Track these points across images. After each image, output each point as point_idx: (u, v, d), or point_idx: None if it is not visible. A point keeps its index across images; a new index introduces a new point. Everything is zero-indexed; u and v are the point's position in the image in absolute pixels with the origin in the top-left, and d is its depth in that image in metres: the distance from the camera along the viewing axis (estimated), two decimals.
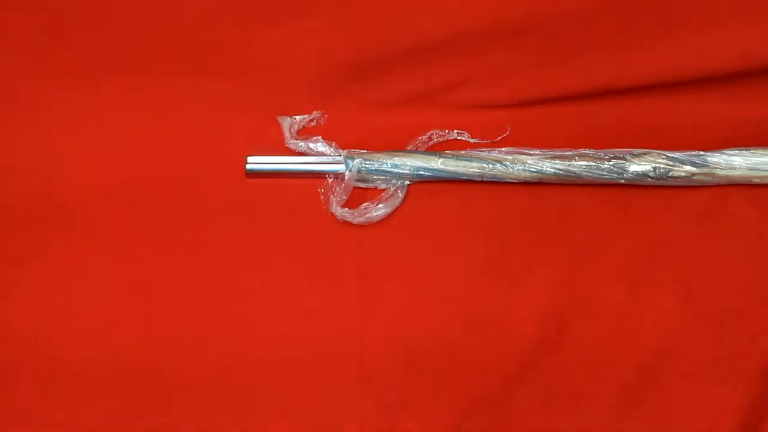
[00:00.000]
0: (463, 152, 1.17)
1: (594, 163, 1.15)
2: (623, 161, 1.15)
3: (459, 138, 1.22)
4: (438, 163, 1.16)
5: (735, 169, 1.16)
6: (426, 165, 1.16)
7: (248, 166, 1.17)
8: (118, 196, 1.17)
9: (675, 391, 1.05)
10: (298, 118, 1.21)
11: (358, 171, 1.15)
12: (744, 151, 1.16)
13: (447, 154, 1.17)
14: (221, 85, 1.21)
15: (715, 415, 1.04)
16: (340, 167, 1.16)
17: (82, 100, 1.21)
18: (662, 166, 1.15)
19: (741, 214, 1.17)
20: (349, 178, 1.15)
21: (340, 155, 1.17)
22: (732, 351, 1.07)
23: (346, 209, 1.14)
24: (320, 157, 1.18)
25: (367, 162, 1.16)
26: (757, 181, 1.17)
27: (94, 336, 1.08)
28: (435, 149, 1.20)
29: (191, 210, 1.16)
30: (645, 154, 1.16)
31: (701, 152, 1.16)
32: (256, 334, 1.09)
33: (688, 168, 1.15)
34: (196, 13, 1.16)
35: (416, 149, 1.20)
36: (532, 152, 1.17)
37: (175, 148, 1.20)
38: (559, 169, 1.15)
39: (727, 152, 1.16)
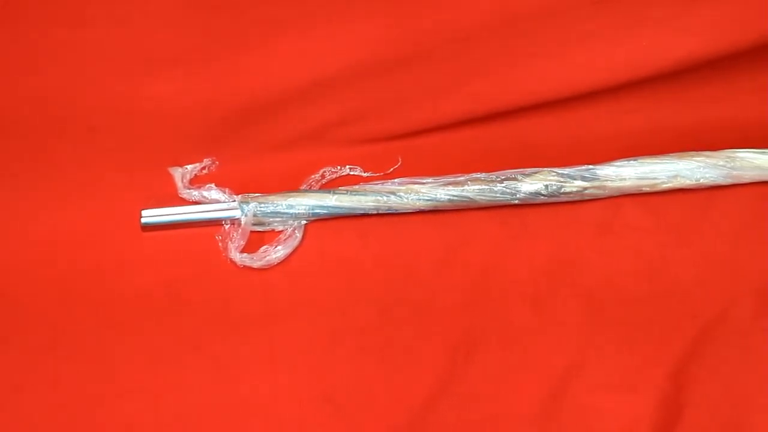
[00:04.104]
0: (357, 187, 1.18)
1: (486, 186, 1.17)
2: (515, 182, 1.17)
3: (351, 173, 1.24)
4: (333, 200, 1.16)
5: (625, 179, 1.18)
6: (321, 203, 1.16)
7: (143, 220, 1.16)
8: (13, 264, 1.15)
9: (588, 403, 1.05)
10: (189, 167, 1.21)
11: (254, 215, 1.15)
12: (632, 162, 1.19)
13: (341, 190, 1.17)
14: (109, 141, 1.21)
15: (629, 424, 1.04)
16: (236, 213, 1.16)
17: None
18: (554, 183, 1.17)
19: (635, 223, 1.19)
20: (245, 223, 1.15)
21: (234, 201, 1.17)
22: (639, 359, 1.08)
23: (246, 254, 1.14)
24: (215, 204, 1.18)
25: (262, 205, 1.16)
26: (647, 189, 1.19)
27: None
28: (329, 186, 1.21)
29: (90, 269, 1.15)
30: (536, 172, 1.18)
31: (590, 166, 1.19)
32: (163, 388, 1.06)
33: (579, 183, 1.17)
34: (76, 69, 1.16)
35: (310, 188, 1.21)
36: (425, 181, 1.18)
37: (68, 209, 1.19)
38: (453, 195, 1.16)
39: (616, 164, 1.19)
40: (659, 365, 1.07)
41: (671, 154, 1.20)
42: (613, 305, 1.12)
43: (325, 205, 1.16)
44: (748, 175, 1.20)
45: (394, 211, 1.17)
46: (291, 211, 1.16)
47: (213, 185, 1.19)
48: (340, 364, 1.08)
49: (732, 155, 1.19)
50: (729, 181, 1.20)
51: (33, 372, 1.07)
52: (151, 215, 1.16)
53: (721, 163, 1.19)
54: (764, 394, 1.05)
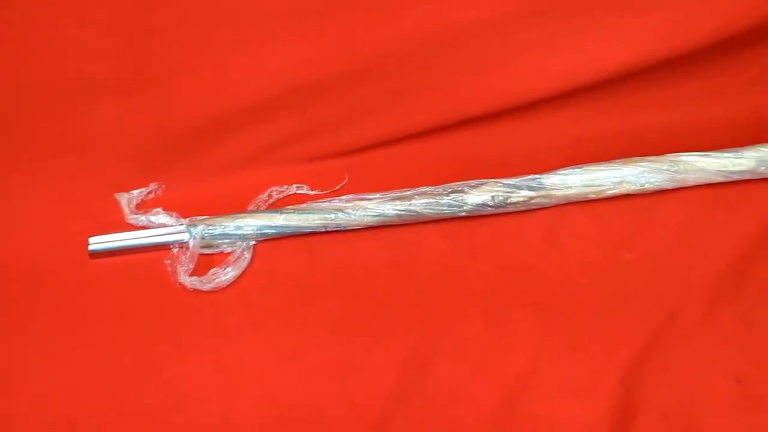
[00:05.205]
0: (305, 205, 1.18)
1: (433, 200, 1.17)
2: (462, 194, 1.17)
3: (299, 192, 1.24)
4: (281, 220, 1.16)
5: (571, 187, 1.19)
6: (269, 223, 1.16)
7: (91, 247, 1.16)
8: None
9: (542, 412, 1.05)
10: (135, 192, 1.21)
11: (202, 237, 1.15)
12: (576, 169, 1.20)
13: (288, 209, 1.18)
14: (53, 169, 1.20)
15: (584, 430, 1.04)
16: (184, 236, 1.16)
17: None
18: (500, 193, 1.17)
19: (582, 230, 1.20)
20: (193, 246, 1.15)
21: (182, 224, 1.17)
22: (591, 365, 1.08)
23: (195, 277, 1.14)
24: (162, 228, 1.17)
25: (210, 227, 1.15)
26: (593, 196, 1.20)
27: None
28: (276, 206, 1.22)
29: (38, 299, 1.14)
30: (482, 184, 1.18)
31: (536, 175, 1.19)
32: (117, 414, 1.05)
33: (525, 192, 1.18)
34: (18, 97, 1.15)
35: (257, 209, 1.21)
36: (372, 197, 1.18)
37: (14, 239, 1.18)
38: (401, 210, 1.17)
39: (561, 172, 1.20)
40: (611, 371, 1.07)
41: (616, 161, 1.21)
42: (563, 313, 1.13)
43: (273, 224, 1.16)
44: (692, 178, 1.21)
45: (342, 228, 1.17)
46: (239, 232, 1.16)
47: (160, 209, 1.19)
48: (293, 384, 1.08)
49: (675, 159, 1.21)
50: (674, 185, 1.21)
51: None
52: (98, 242, 1.16)
53: (665, 167, 1.20)
54: (716, 395, 1.06)
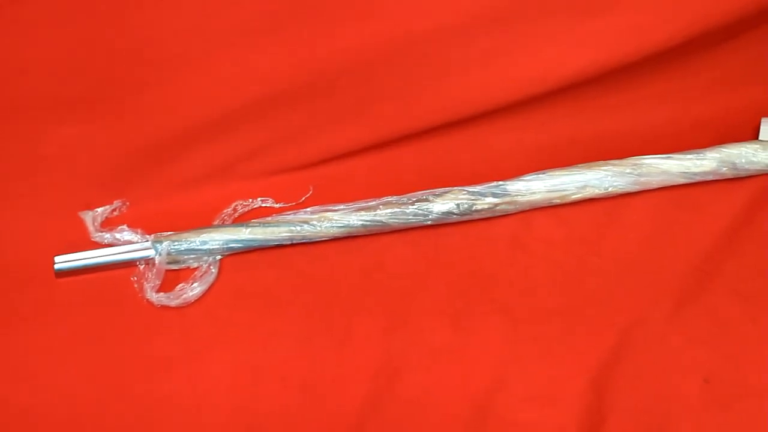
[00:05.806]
0: (270, 218, 1.18)
1: (399, 209, 1.17)
2: (426, 203, 1.18)
3: (264, 205, 1.24)
4: (246, 233, 1.16)
5: (535, 193, 1.19)
6: (235, 237, 1.16)
7: (56, 266, 1.15)
8: None
9: (513, 418, 1.06)
10: (99, 210, 1.21)
11: (168, 253, 1.15)
12: (540, 175, 1.20)
13: (254, 223, 1.18)
14: (16, 188, 1.20)
15: None
16: (150, 253, 1.16)
17: None
18: (465, 201, 1.18)
19: (547, 235, 1.20)
20: (159, 262, 1.15)
21: (147, 241, 1.17)
22: (560, 370, 1.09)
23: (162, 294, 1.14)
24: (128, 245, 1.17)
25: (176, 243, 1.15)
26: (558, 201, 1.20)
27: None
28: (242, 220, 1.21)
29: (6, 319, 1.14)
30: (446, 192, 1.19)
31: (500, 182, 1.20)
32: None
33: (490, 200, 1.18)
34: None
35: (223, 223, 1.21)
36: (337, 208, 1.18)
37: None
38: (366, 221, 1.17)
39: (525, 178, 1.20)
40: (580, 374, 1.08)
41: (579, 165, 1.21)
42: (531, 318, 1.13)
43: (239, 238, 1.16)
44: (656, 181, 1.21)
45: (308, 240, 1.17)
46: (205, 247, 1.16)
47: (125, 226, 1.18)
48: (264, 396, 1.08)
49: (638, 162, 1.21)
50: (637, 188, 1.22)
51: None
52: (64, 261, 1.16)
53: (628, 170, 1.20)
54: (685, 396, 1.06)
